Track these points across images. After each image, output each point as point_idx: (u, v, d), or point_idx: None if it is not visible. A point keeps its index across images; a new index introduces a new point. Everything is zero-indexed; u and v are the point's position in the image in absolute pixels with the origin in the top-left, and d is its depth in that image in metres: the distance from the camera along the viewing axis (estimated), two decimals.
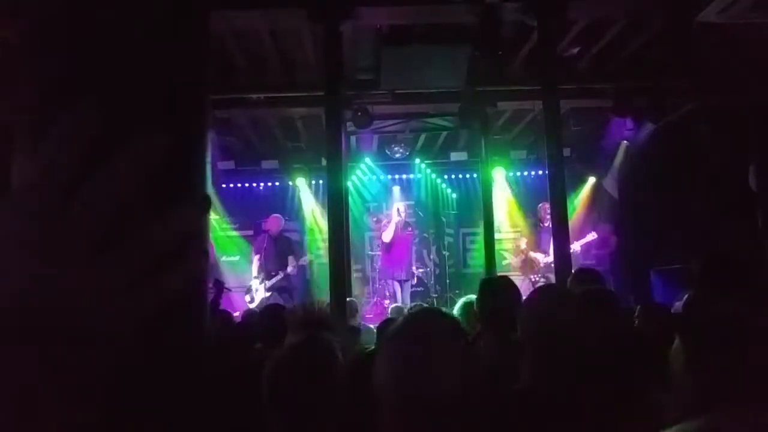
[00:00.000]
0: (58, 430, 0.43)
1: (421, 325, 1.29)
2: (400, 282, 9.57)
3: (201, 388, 1.10)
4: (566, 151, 9.28)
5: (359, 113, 8.98)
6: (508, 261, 10.95)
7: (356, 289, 10.11)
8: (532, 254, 9.05)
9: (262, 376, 1.93)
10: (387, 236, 9.61)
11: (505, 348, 2.63)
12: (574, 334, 1.66)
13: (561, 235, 6.79)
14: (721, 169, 7.61)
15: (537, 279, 8.98)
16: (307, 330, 2.24)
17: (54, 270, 0.43)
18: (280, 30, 7.49)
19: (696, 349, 1.35)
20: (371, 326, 5.21)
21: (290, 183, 11.89)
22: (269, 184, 12.08)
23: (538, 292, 2.35)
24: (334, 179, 6.92)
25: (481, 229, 10.15)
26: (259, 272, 9.40)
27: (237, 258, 11.33)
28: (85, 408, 0.43)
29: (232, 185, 11.83)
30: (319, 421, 1.90)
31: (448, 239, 11.90)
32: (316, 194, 11.89)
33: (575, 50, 8.14)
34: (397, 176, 12.26)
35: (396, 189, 12.02)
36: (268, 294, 9.08)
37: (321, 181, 11.12)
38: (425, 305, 7.57)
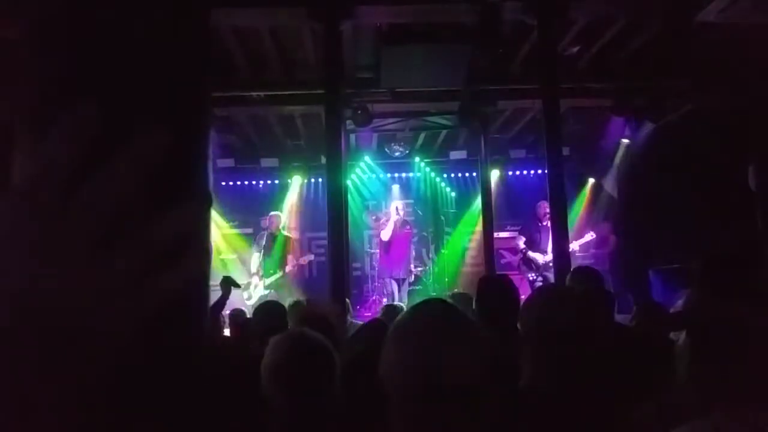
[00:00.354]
0: (59, 431, 0.42)
1: (431, 314, 1.28)
2: (398, 281, 9.57)
3: (201, 388, 1.10)
4: (565, 151, 9.28)
5: (359, 111, 8.98)
6: (507, 260, 10.98)
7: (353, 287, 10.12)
8: (531, 254, 9.04)
9: (259, 375, 1.94)
10: (386, 234, 9.61)
11: (503, 347, 2.63)
12: (574, 334, 1.66)
13: (560, 234, 6.80)
14: (720, 169, 7.61)
15: (535, 278, 8.97)
16: (300, 328, 2.24)
17: (54, 269, 0.43)
18: (280, 28, 7.49)
19: (696, 349, 1.35)
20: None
21: (289, 181, 11.90)
22: (269, 182, 12.08)
23: (539, 292, 2.35)
24: (334, 177, 6.92)
25: (480, 228, 10.17)
26: (258, 269, 9.40)
27: (236, 256, 11.33)
28: (85, 408, 0.43)
29: (231, 183, 11.82)
30: (317, 419, 1.90)
31: (446, 238, 11.91)
32: (308, 193, 11.92)
33: (575, 49, 8.14)
34: (396, 175, 12.27)
35: (395, 187, 12.03)
36: (266, 292, 9.08)
37: (320, 180, 11.11)
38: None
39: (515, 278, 9.50)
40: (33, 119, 0.95)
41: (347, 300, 6.44)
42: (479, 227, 10.94)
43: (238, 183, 11.96)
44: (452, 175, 12.40)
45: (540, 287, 3.67)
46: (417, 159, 12.07)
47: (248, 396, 1.94)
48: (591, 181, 11.66)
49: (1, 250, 0.43)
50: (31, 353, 0.42)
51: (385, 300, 9.70)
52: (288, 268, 9.23)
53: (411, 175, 12.36)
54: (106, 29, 0.98)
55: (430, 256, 11.24)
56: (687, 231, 8.08)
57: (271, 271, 9.26)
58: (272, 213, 9.96)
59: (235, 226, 11.68)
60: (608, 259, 10.32)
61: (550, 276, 8.21)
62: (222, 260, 11.14)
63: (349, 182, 10.26)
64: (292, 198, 11.91)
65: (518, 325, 1.97)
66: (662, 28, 7.44)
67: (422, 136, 11.39)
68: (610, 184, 11.30)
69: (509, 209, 11.72)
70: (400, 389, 1.18)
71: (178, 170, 0.81)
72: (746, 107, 7.06)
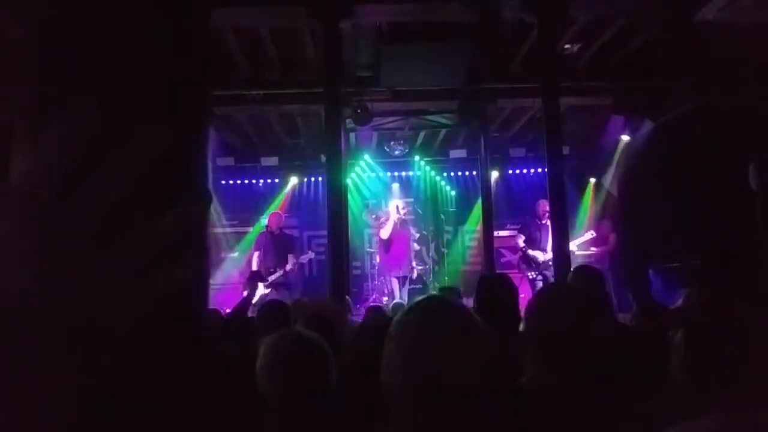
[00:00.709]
0: (59, 429, 0.42)
1: (432, 311, 1.27)
2: (399, 279, 9.56)
3: (200, 387, 1.09)
4: (565, 150, 9.28)
5: (359, 110, 8.97)
6: (507, 258, 10.99)
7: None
8: (530, 252, 9.04)
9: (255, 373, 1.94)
10: (385, 233, 9.60)
11: (502, 345, 2.63)
12: (575, 333, 1.67)
13: (560, 232, 6.80)
14: (720, 168, 7.60)
15: (535, 276, 8.97)
16: (296, 327, 2.25)
17: (53, 268, 0.43)
18: (280, 27, 7.49)
19: (696, 349, 1.35)
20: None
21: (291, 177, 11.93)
22: (269, 181, 12.08)
23: (540, 291, 2.36)
24: (334, 176, 6.93)
25: (479, 227, 10.18)
26: (258, 269, 9.39)
27: (236, 254, 11.33)
28: (85, 407, 0.43)
29: (231, 182, 11.82)
30: (313, 418, 1.90)
31: (447, 236, 11.91)
32: (308, 192, 11.93)
33: (574, 48, 8.14)
34: (396, 173, 12.27)
35: (395, 186, 12.02)
36: (267, 290, 9.08)
37: (320, 178, 11.11)
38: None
39: (515, 277, 9.52)
40: (32, 119, 0.95)
41: (348, 298, 6.45)
42: (480, 226, 10.95)
43: (238, 182, 11.96)
44: (452, 173, 12.40)
45: (542, 287, 3.67)
46: (417, 158, 12.07)
47: (248, 396, 1.94)
48: (592, 180, 11.66)
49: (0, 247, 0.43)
50: (31, 352, 0.41)
51: (385, 299, 9.70)
52: (288, 267, 9.22)
53: (411, 173, 12.36)
54: (105, 29, 0.98)
55: (430, 254, 11.24)
56: (687, 230, 8.08)
57: (272, 270, 9.25)
58: (272, 212, 9.95)
59: (235, 225, 11.68)
60: (608, 258, 10.31)
61: (550, 274, 8.21)
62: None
63: (348, 181, 10.25)
64: (286, 197, 11.94)
65: (519, 324, 1.97)
66: (662, 27, 7.44)
67: (422, 134, 11.39)
68: (609, 183, 11.30)
69: (509, 208, 11.73)
70: (401, 388, 1.18)
71: (177, 168, 0.81)
72: (746, 106, 7.05)
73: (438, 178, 12.38)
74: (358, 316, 7.41)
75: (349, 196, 9.81)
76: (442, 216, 11.98)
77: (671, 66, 8.15)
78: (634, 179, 10.30)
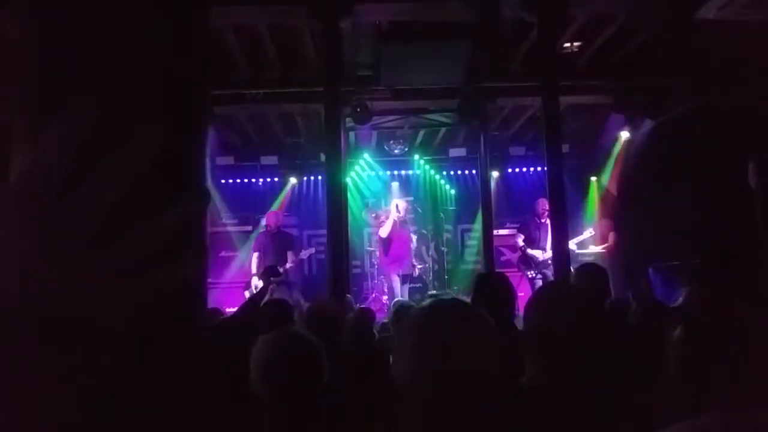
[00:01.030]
0: (59, 429, 0.42)
1: (446, 310, 1.30)
2: (401, 277, 9.56)
3: (199, 385, 1.10)
4: (565, 148, 9.29)
5: (358, 109, 8.97)
6: (507, 257, 10.99)
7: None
8: (530, 251, 9.05)
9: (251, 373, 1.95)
10: (384, 231, 9.59)
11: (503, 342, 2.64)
12: (575, 332, 1.67)
13: (559, 231, 6.81)
14: (720, 167, 7.60)
15: (535, 275, 8.98)
16: (290, 327, 2.25)
17: (51, 267, 0.43)
18: (280, 26, 7.49)
19: (695, 348, 1.35)
20: None
21: (290, 178, 11.92)
22: (268, 179, 12.08)
23: (540, 290, 2.36)
24: (333, 175, 6.93)
25: (479, 225, 10.19)
26: (258, 268, 9.38)
27: (236, 254, 11.32)
28: (85, 406, 0.43)
29: (231, 181, 11.82)
30: (307, 416, 1.91)
31: (446, 235, 11.91)
32: (308, 191, 11.93)
33: (574, 47, 8.14)
34: (395, 172, 12.27)
35: (395, 185, 12.02)
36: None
37: (320, 177, 11.11)
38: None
39: (515, 276, 9.55)
40: (32, 119, 0.95)
41: (349, 296, 6.45)
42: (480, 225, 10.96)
43: (238, 181, 11.96)
44: (452, 172, 12.40)
45: (541, 286, 3.67)
46: (416, 156, 12.07)
47: (247, 395, 1.94)
48: (594, 179, 11.65)
49: None
50: (30, 352, 0.42)
51: (384, 298, 9.70)
52: (288, 265, 9.22)
53: (410, 172, 12.36)
54: (105, 28, 0.98)
55: (430, 253, 11.24)
56: (687, 229, 8.08)
57: None
58: (271, 211, 9.95)
59: (235, 224, 11.68)
60: (608, 257, 10.32)
61: (550, 273, 8.22)
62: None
63: (348, 180, 10.25)
64: (286, 197, 11.95)
65: (517, 322, 1.97)
66: (662, 26, 7.44)
67: (422, 133, 11.39)
68: (608, 181, 11.31)
69: (509, 207, 11.74)
70: (412, 376, 1.19)
71: (176, 168, 0.81)
72: (746, 105, 7.05)
73: (438, 176, 12.38)
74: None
75: (348, 195, 9.80)
76: (442, 215, 11.99)
77: (671, 65, 8.15)
78: (634, 178, 10.30)
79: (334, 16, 6.71)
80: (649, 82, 8.79)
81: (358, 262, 11.50)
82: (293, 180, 11.85)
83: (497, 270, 9.29)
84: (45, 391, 0.42)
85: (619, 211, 10.81)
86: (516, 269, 9.40)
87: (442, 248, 11.57)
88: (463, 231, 12.28)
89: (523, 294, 8.94)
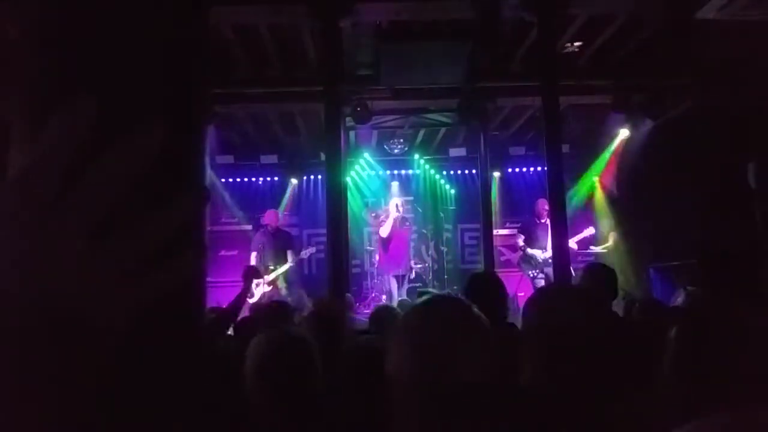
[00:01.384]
0: (58, 429, 0.42)
1: (441, 310, 1.28)
2: (398, 278, 9.56)
3: (198, 385, 1.10)
4: (565, 148, 9.28)
5: (358, 109, 8.97)
6: (507, 257, 10.99)
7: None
8: (530, 251, 9.05)
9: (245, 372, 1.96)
10: (384, 231, 9.59)
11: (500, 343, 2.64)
12: (574, 332, 1.67)
13: (559, 231, 6.81)
14: (720, 166, 7.60)
15: (536, 275, 8.98)
16: (285, 326, 2.25)
17: (49, 265, 0.43)
18: (280, 25, 7.49)
19: (695, 348, 1.35)
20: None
21: (291, 179, 11.91)
22: (268, 179, 12.07)
23: (542, 289, 2.36)
24: (333, 175, 6.93)
25: (479, 225, 10.19)
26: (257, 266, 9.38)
27: (235, 253, 11.31)
28: (85, 405, 0.43)
29: (231, 180, 11.82)
30: (300, 415, 1.91)
31: (446, 235, 11.91)
32: (308, 190, 11.93)
33: (574, 47, 8.14)
34: (395, 172, 12.26)
35: (395, 185, 12.01)
36: (269, 288, 9.08)
37: (320, 177, 11.10)
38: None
39: (515, 276, 9.57)
40: (32, 119, 0.95)
41: (349, 296, 6.45)
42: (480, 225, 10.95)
43: (238, 180, 11.96)
44: (451, 172, 12.39)
45: (542, 286, 3.67)
46: (416, 156, 12.06)
47: (245, 394, 1.95)
48: (595, 178, 11.65)
49: None
50: (29, 351, 0.42)
51: (384, 297, 9.70)
52: (288, 264, 9.22)
53: (410, 172, 12.35)
54: (104, 28, 0.98)
55: (429, 253, 11.24)
56: (687, 229, 8.08)
57: (272, 268, 9.25)
58: (269, 210, 9.94)
59: (235, 223, 11.67)
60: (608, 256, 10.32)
61: (551, 272, 8.22)
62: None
63: (348, 179, 10.26)
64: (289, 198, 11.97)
65: (521, 322, 1.97)
66: (662, 26, 7.44)
67: (422, 133, 11.39)
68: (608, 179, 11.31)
69: (508, 207, 11.74)
70: (409, 380, 1.18)
71: (175, 167, 0.81)
72: (746, 105, 7.05)
73: (437, 176, 12.37)
74: (357, 314, 7.42)
75: (348, 194, 9.81)
76: (442, 214, 11.98)
77: (671, 65, 8.15)
78: (634, 177, 10.30)
79: (335, 16, 6.71)
80: (649, 82, 8.78)
81: (357, 262, 11.49)
82: (294, 181, 11.84)
83: (497, 270, 9.30)
84: (45, 391, 0.42)
85: (619, 211, 10.81)
86: (516, 269, 9.41)
87: (442, 248, 11.57)
88: (463, 231, 12.27)
89: (524, 294, 8.96)
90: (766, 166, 6.87)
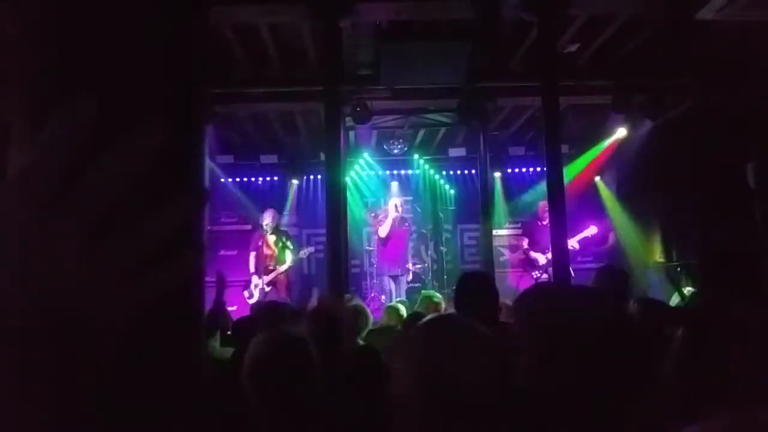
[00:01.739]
0: (58, 429, 0.42)
1: (450, 322, 1.31)
2: (394, 278, 9.56)
3: (197, 384, 1.10)
4: (565, 148, 9.28)
5: (358, 109, 8.96)
6: (506, 257, 11.00)
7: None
8: (532, 254, 9.07)
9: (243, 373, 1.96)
10: (383, 231, 9.60)
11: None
12: (575, 331, 1.67)
13: (559, 231, 6.80)
14: (720, 166, 7.61)
15: (539, 275, 9.01)
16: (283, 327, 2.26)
17: (48, 265, 0.43)
18: (280, 25, 7.49)
19: (696, 348, 1.35)
20: None
21: (291, 180, 11.91)
22: (268, 178, 12.07)
23: (533, 288, 2.35)
24: (333, 174, 6.92)
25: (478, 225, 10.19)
26: (256, 268, 9.39)
27: (235, 252, 11.31)
28: (84, 405, 0.43)
29: (231, 180, 11.82)
30: (296, 415, 1.91)
31: (446, 235, 11.91)
32: (307, 190, 11.93)
33: (573, 47, 8.14)
34: (395, 172, 12.26)
35: (394, 184, 12.01)
36: (268, 288, 9.09)
37: (319, 176, 11.10)
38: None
39: (516, 276, 9.58)
40: (32, 119, 0.95)
41: (348, 295, 6.44)
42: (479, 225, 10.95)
43: (237, 179, 11.95)
44: (451, 172, 12.38)
45: (534, 284, 3.66)
46: (416, 156, 12.06)
47: (244, 395, 1.95)
48: (597, 178, 11.64)
49: None
50: (29, 351, 0.41)
51: (383, 297, 9.70)
52: (286, 264, 9.23)
53: (410, 172, 12.35)
54: (104, 28, 0.98)
55: (429, 253, 11.24)
56: (686, 228, 8.09)
57: (271, 268, 9.26)
58: (267, 210, 9.95)
59: (235, 223, 11.67)
60: (607, 256, 10.32)
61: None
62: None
63: (348, 179, 10.26)
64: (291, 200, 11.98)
65: (514, 321, 1.97)
66: (662, 26, 7.44)
67: (421, 133, 11.38)
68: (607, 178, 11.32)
69: (508, 207, 11.74)
70: (413, 391, 1.19)
71: (174, 167, 0.81)
72: (746, 105, 7.06)
73: (437, 176, 12.37)
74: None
75: (348, 194, 9.80)
76: (441, 214, 11.98)
77: (671, 65, 8.15)
78: (633, 177, 10.31)
79: (334, 16, 6.71)
80: (649, 82, 8.78)
81: (357, 262, 11.48)
82: (296, 182, 11.84)
83: (497, 270, 9.31)
84: (45, 391, 0.42)
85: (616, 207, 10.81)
86: (516, 268, 9.43)
87: (442, 248, 11.56)
88: (463, 231, 12.27)
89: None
90: (765, 166, 6.88)
